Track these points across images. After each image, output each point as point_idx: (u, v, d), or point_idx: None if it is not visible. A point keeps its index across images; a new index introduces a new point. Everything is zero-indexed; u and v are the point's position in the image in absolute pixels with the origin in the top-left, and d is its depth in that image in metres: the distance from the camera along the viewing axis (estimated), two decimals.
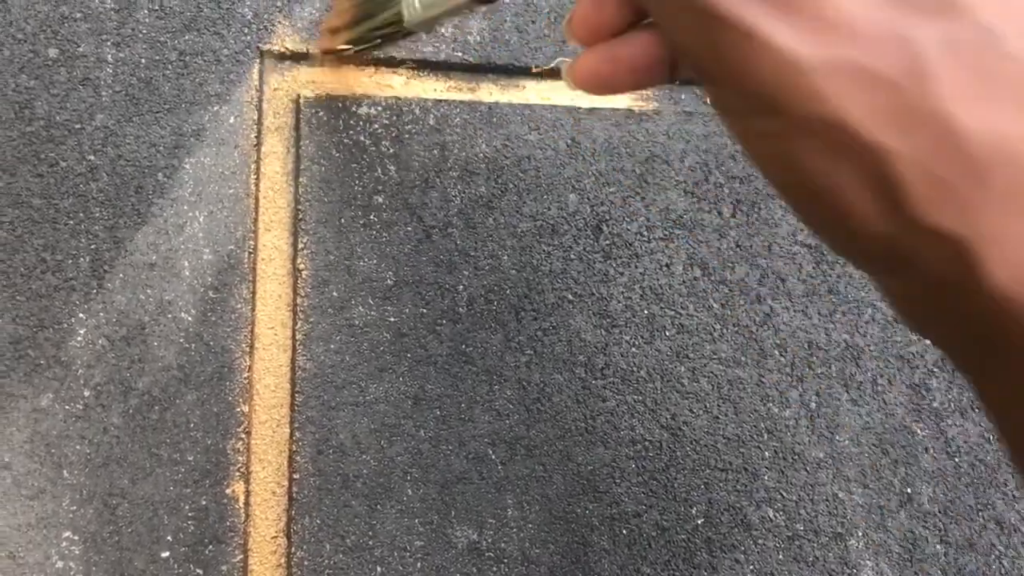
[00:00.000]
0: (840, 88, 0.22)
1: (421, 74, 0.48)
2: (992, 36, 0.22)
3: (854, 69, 0.22)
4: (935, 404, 0.48)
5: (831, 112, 0.22)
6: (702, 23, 0.24)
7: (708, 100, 0.26)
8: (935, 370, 0.48)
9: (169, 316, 0.43)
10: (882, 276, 0.25)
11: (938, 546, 0.46)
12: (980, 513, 0.47)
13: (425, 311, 0.45)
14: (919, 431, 0.48)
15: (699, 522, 0.45)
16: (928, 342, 0.49)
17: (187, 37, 0.46)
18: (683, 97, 0.50)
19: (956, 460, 0.48)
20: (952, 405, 0.48)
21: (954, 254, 0.22)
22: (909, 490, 0.47)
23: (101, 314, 0.42)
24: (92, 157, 0.44)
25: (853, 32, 0.22)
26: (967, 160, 0.21)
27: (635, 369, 0.46)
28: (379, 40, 0.45)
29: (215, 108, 0.45)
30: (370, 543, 0.42)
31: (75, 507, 0.40)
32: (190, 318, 0.43)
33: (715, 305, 0.47)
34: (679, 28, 0.25)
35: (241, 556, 0.41)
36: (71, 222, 0.43)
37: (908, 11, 0.22)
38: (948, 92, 0.21)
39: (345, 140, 0.46)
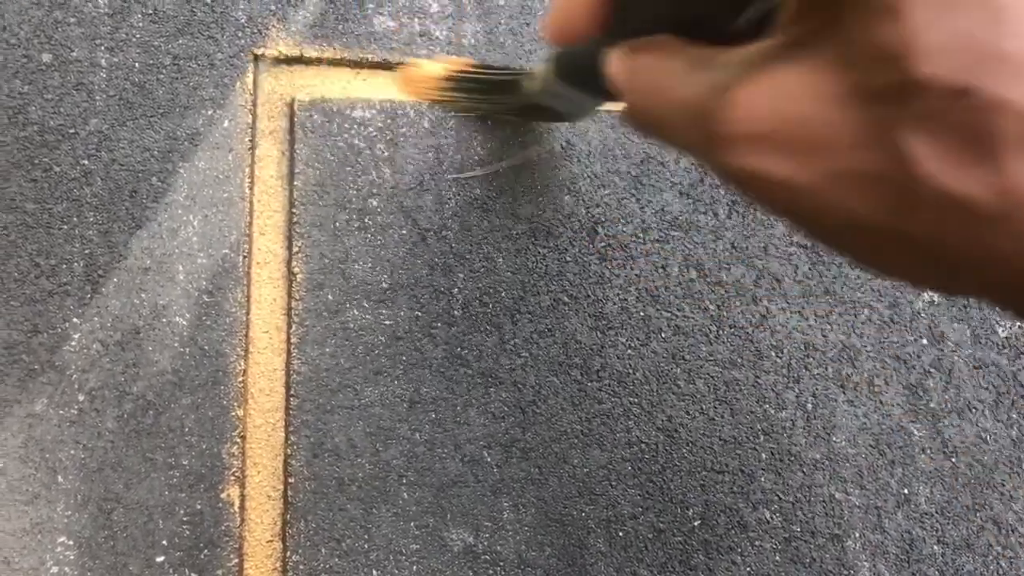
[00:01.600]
0: None
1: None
2: None
3: None
4: (932, 404, 0.48)
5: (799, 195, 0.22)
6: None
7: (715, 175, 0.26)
8: (932, 370, 0.48)
9: (164, 320, 0.43)
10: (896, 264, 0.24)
11: (935, 547, 0.46)
12: (977, 513, 0.47)
13: (420, 314, 0.45)
14: (916, 432, 0.47)
15: (696, 524, 0.45)
16: (926, 342, 0.49)
17: (181, 41, 0.46)
18: None
19: (953, 460, 0.47)
20: (949, 405, 0.48)
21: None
22: (906, 491, 0.47)
23: (95, 319, 0.42)
24: (86, 162, 0.44)
25: None
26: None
27: (631, 371, 0.46)
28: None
29: (209, 112, 0.45)
30: (365, 547, 0.42)
31: (70, 512, 0.40)
32: (184, 322, 0.43)
33: (711, 306, 0.47)
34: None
35: (236, 560, 0.41)
36: (65, 227, 0.43)
37: None
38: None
39: (339, 143, 0.46)
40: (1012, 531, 0.47)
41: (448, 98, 0.45)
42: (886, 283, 0.49)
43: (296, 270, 0.44)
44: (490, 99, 0.45)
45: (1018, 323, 0.49)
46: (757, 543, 0.45)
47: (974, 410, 0.48)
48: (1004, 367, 0.49)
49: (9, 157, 0.43)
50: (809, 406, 0.47)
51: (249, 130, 0.46)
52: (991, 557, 0.46)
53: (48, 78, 0.44)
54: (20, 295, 0.42)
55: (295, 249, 0.44)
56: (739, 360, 0.47)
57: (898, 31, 0.19)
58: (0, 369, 0.41)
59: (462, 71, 0.44)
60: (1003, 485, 0.47)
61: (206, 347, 0.43)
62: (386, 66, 0.48)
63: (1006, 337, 0.49)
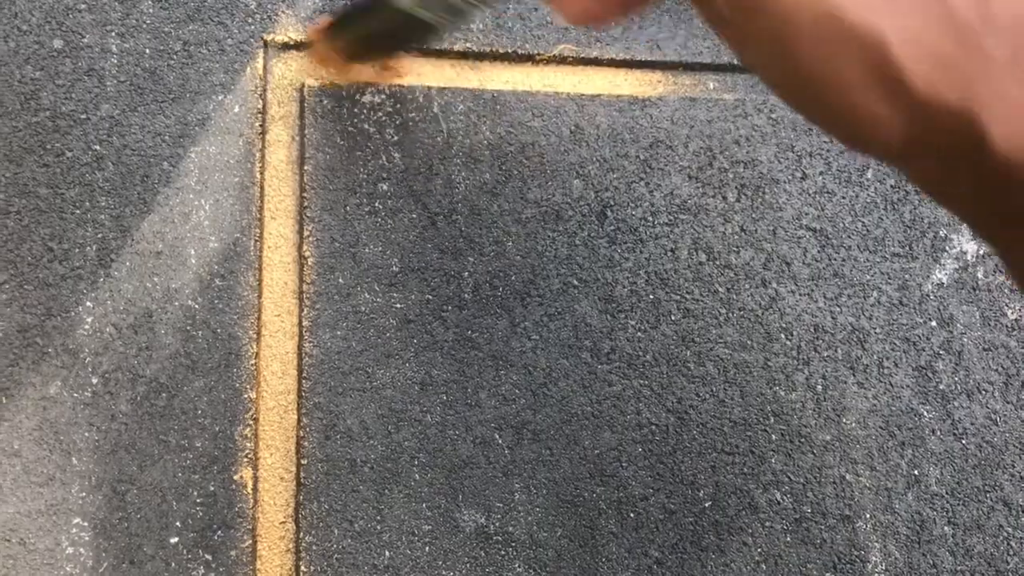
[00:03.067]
0: None
1: (424, 62, 0.48)
2: None
3: None
4: (941, 386, 0.48)
5: (822, 3, 0.22)
6: None
7: (700, 15, 0.26)
8: (941, 352, 0.48)
9: (176, 304, 0.43)
10: (896, 163, 0.25)
11: (946, 528, 0.46)
12: (988, 494, 0.47)
13: (431, 297, 0.45)
14: (926, 413, 0.48)
15: (706, 505, 0.45)
16: (935, 324, 0.49)
17: (191, 27, 0.46)
18: (687, 83, 0.50)
19: (963, 442, 0.48)
20: (959, 387, 0.48)
21: (961, 127, 0.21)
22: (916, 472, 0.47)
23: (108, 302, 0.42)
24: (98, 147, 0.44)
25: None
26: (962, 32, 0.21)
27: (641, 354, 0.46)
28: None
29: (220, 97, 0.46)
30: (378, 527, 0.42)
31: (84, 494, 0.40)
32: (197, 306, 0.43)
33: (720, 289, 0.47)
34: None
35: (250, 541, 0.41)
36: (77, 211, 0.43)
37: None
38: None
39: (349, 128, 0.46)
40: (1023, 512, 0.47)
41: (343, 49, 0.46)
42: (895, 266, 0.49)
43: (307, 254, 0.44)
44: (370, 29, 0.44)
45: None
46: (768, 524, 0.45)
47: (984, 392, 0.48)
48: (1013, 349, 0.49)
49: (22, 142, 0.43)
50: (819, 388, 0.47)
51: (259, 115, 0.46)
52: (1001, 538, 0.47)
53: (60, 64, 0.44)
54: (34, 279, 0.42)
55: (306, 233, 0.45)
56: (749, 342, 0.47)
57: None
58: (14, 352, 0.41)
59: (332, 19, 0.45)
60: (1013, 466, 0.47)
61: (219, 330, 0.43)
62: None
63: (1015, 319, 0.49)
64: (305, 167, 0.45)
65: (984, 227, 0.24)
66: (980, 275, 0.49)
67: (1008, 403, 0.48)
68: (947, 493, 0.47)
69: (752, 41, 0.24)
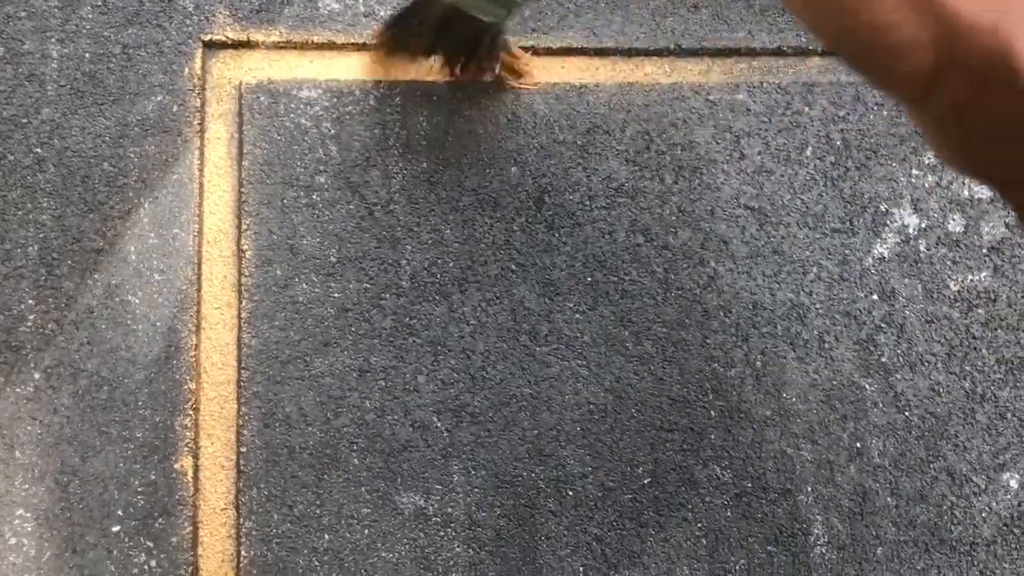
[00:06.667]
0: None
1: (361, 57, 0.49)
2: None
3: None
4: (883, 359, 0.48)
5: None
6: None
7: None
8: (883, 325, 0.49)
9: (117, 299, 0.44)
10: (930, 94, 0.25)
11: (889, 499, 0.46)
12: (931, 465, 0.47)
13: (368, 286, 0.46)
14: (867, 387, 0.48)
15: (646, 482, 0.45)
16: (876, 298, 0.49)
17: (130, 31, 0.47)
18: (624, 68, 0.51)
19: (906, 414, 0.48)
20: (901, 360, 0.48)
21: (994, 48, 0.22)
22: (858, 445, 0.47)
23: (50, 299, 0.43)
24: (39, 150, 0.45)
25: None
26: None
27: (579, 335, 0.47)
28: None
29: (159, 98, 0.47)
30: (317, 512, 0.43)
31: (27, 486, 0.41)
32: (137, 300, 0.44)
33: (658, 270, 0.48)
34: None
35: (191, 528, 0.42)
36: (20, 212, 0.44)
37: None
38: None
39: (287, 123, 0.47)
40: (966, 481, 0.47)
41: (404, 47, 0.47)
42: (835, 242, 0.49)
43: (245, 247, 0.45)
44: (424, 25, 0.46)
45: (969, 276, 0.49)
46: (708, 499, 0.46)
47: (927, 363, 0.48)
48: (956, 320, 0.49)
49: None
50: (758, 364, 0.47)
51: (198, 113, 0.47)
52: (945, 507, 0.47)
53: (1, 70, 0.45)
54: None
55: (244, 227, 0.46)
56: (687, 321, 0.47)
57: None
58: None
59: (389, 21, 0.47)
60: (956, 436, 0.48)
61: (158, 324, 0.44)
62: (332, 47, 0.49)
63: (958, 291, 0.49)
64: (243, 162, 0.46)
65: (1004, 166, 0.25)
66: (923, 248, 0.50)
67: (951, 374, 0.48)
68: (890, 465, 0.47)
69: None
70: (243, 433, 0.43)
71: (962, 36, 0.22)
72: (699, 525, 0.45)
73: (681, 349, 0.47)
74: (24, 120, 0.45)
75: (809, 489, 0.46)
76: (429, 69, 0.48)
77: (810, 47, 0.51)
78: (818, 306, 0.49)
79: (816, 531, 0.46)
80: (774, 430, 0.47)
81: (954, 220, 0.50)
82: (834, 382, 0.48)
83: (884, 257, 0.49)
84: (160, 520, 0.42)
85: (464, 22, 0.45)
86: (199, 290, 0.45)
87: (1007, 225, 0.50)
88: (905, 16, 0.23)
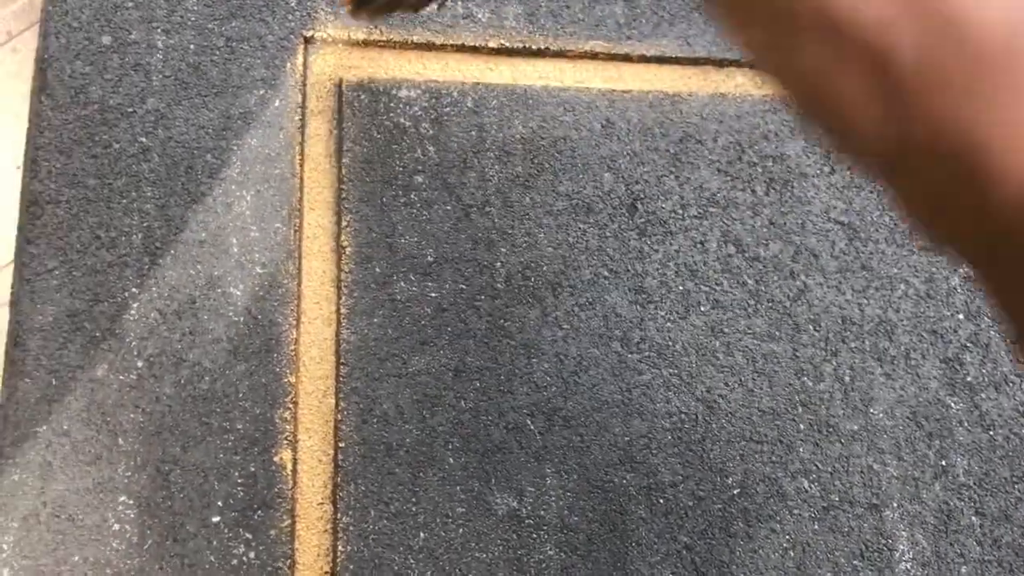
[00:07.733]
0: None
1: (459, 58, 0.49)
2: None
3: None
4: (969, 378, 0.48)
5: (827, 6, 0.21)
6: None
7: (708, 12, 0.26)
8: (969, 344, 0.49)
9: (218, 291, 0.44)
10: (892, 178, 0.23)
11: (973, 518, 0.47)
12: (1016, 485, 0.47)
13: (464, 287, 0.46)
14: (953, 404, 0.48)
15: (735, 492, 0.46)
16: (962, 317, 0.49)
17: (234, 24, 0.48)
18: (716, 78, 0.51)
19: (991, 433, 0.48)
20: (986, 379, 0.48)
21: (960, 148, 0.20)
22: (944, 462, 0.47)
23: (153, 289, 0.44)
24: (144, 139, 0.45)
25: None
26: (971, 49, 0.20)
27: (670, 343, 0.47)
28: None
29: (261, 92, 0.47)
30: (413, 509, 0.43)
31: (130, 473, 0.42)
32: (239, 292, 0.44)
33: (749, 281, 0.48)
34: None
35: (289, 521, 0.42)
36: (124, 201, 0.44)
37: None
38: None
39: (386, 122, 0.47)
40: None
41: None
42: (922, 260, 0.49)
43: (345, 243, 0.46)
44: None
45: None
46: (796, 512, 0.46)
47: (1012, 384, 0.49)
48: None
49: (71, 135, 0.45)
50: (847, 379, 0.48)
51: (299, 109, 0.47)
52: None
53: (108, 59, 0.46)
54: (82, 266, 0.43)
55: (344, 223, 0.46)
56: (777, 333, 0.48)
57: None
58: (63, 336, 0.42)
59: None
60: None
61: (259, 316, 0.44)
62: (430, 47, 0.49)
63: None
64: (343, 160, 0.47)
65: (972, 251, 0.23)
66: None
67: None
68: (975, 483, 0.47)
69: (759, 45, 0.24)
70: (341, 428, 0.44)
71: (926, 134, 0.21)
72: (787, 537, 0.45)
73: (771, 361, 0.47)
74: (130, 109, 0.45)
75: (895, 505, 0.46)
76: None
77: None
78: (905, 323, 0.49)
79: (901, 547, 0.46)
80: (861, 444, 0.47)
81: None
82: (920, 399, 0.48)
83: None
84: (259, 512, 0.42)
85: None
86: (299, 285, 0.45)
87: None
88: (869, 102, 0.22)
